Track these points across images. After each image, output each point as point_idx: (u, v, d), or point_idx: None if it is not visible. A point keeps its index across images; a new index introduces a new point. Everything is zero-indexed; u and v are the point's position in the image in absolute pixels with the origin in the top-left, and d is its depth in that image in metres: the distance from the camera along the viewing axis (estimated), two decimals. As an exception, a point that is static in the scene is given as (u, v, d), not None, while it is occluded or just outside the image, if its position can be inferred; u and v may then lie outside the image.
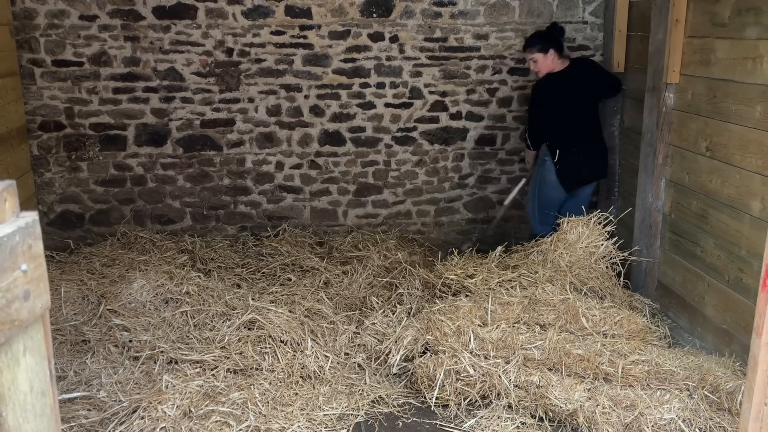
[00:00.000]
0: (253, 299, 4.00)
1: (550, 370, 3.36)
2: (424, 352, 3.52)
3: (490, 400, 3.31)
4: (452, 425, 3.20)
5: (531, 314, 3.71)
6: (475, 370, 3.30)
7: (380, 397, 3.38)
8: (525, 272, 4.06)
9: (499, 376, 3.27)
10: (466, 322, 3.51)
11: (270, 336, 3.65)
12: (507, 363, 3.33)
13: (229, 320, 3.89)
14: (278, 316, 3.74)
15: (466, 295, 3.91)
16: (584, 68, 4.88)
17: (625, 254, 4.41)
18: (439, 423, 3.23)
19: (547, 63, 4.71)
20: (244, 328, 3.73)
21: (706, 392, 3.18)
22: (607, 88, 4.93)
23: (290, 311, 3.84)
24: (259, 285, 4.54)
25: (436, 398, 3.31)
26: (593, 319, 3.67)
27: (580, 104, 4.80)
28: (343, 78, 5.30)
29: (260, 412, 3.14)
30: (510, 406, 3.26)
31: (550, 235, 4.61)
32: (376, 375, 3.58)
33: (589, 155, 4.84)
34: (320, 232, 5.51)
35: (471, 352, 3.37)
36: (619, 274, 4.42)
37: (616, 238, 4.45)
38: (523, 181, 5.18)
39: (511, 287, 3.92)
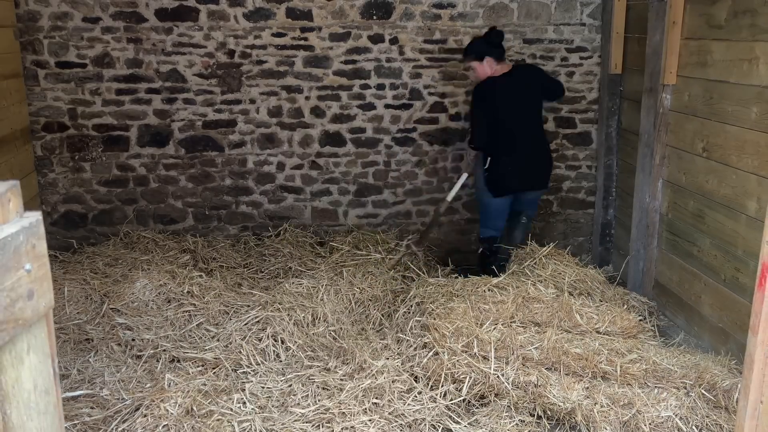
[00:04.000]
0: (264, 302, 4.02)
1: (548, 369, 3.39)
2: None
3: (489, 400, 3.35)
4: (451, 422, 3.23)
5: (525, 313, 3.74)
6: (474, 371, 3.34)
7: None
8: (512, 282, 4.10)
9: (498, 377, 3.31)
10: (464, 323, 3.55)
11: (274, 336, 3.69)
12: (506, 364, 3.36)
13: (233, 319, 3.93)
14: (282, 320, 3.78)
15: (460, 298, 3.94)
16: (526, 73, 4.76)
17: (609, 272, 4.42)
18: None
19: (484, 70, 4.60)
20: (249, 327, 3.77)
21: (703, 390, 3.21)
22: (549, 92, 4.79)
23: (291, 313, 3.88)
24: (261, 285, 4.57)
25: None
26: (587, 317, 3.70)
27: (519, 110, 4.64)
28: (344, 79, 5.34)
29: (262, 411, 3.17)
30: (509, 406, 3.29)
31: (497, 240, 4.76)
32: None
33: (525, 164, 4.68)
34: (321, 232, 5.55)
35: (472, 355, 3.40)
36: (611, 279, 4.47)
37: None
38: (465, 175, 4.99)
39: (503, 287, 3.97)
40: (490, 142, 4.62)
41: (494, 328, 3.55)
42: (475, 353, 3.40)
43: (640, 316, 4.07)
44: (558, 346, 3.41)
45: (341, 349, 3.67)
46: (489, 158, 4.64)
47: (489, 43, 4.62)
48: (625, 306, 4.10)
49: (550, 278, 4.18)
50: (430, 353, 3.48)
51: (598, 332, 3.68)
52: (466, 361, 3.37)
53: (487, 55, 4.60)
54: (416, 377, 3.43)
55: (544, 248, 4.48)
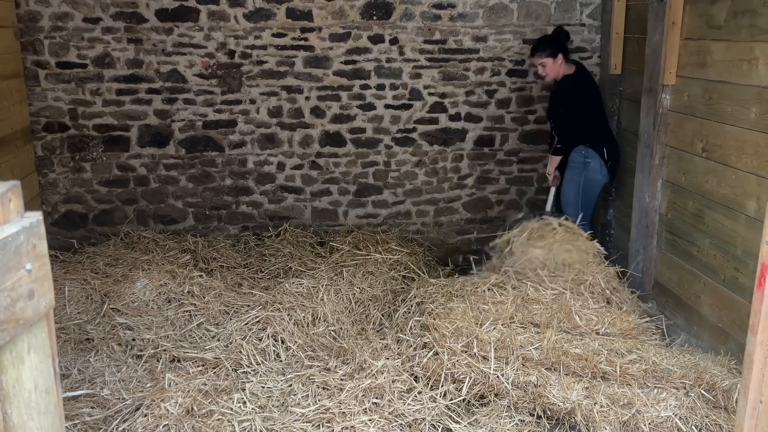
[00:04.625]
0: (264, 302, 4.03)
1: (547, 369, 3.40)
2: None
3: (489, 400, 3.35)
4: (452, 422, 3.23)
5: (524, 313, 3.75)
6: (474, 371, 3.34)
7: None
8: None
9: (498, 377, 3.31)
10: (464, 324, 3.55)
11: (274, 335, 3.70)
12: (506, 364, 3.37)
13: (233, 319, 3.93)
14: (283, 320, 3.78)
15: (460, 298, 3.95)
16: (587, 70, 4.97)
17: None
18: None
19: (555, 68, 4.73)
20: (249, 327, 3.78)
21: (702, 390, 3.22)
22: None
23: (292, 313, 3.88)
24: (261, 285, 4.58)
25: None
26: (587, 318, 3.71)
27: (600, 102, 4.91)
28: (344, 80, 5.34)
29: (263, 411, 3.18)
30: (509, 405, 3.29)
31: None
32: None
33: (618, 148, 4.95)
34: (321, 232, 5.55)
35: (472, 355, 3.40)
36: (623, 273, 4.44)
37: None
38: (553, 190, 5.10)
39: (503, 287, 3.98)
40: (596, 132, 4.76)
41: (494, 329, 3.56)
42: (475, 353, 3.41)
43: (643, 316, 4.05)
44: (558, 346, 3.41)
45: (341, 349, 3.67)
46: (605, 148, 4.76)
47: (560, 40, 4.75)
48: (625, 308, 4.08)
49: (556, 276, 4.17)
50: (430, 353, 3.49)
51: (597, 333, 3.68)
52: (466, 361, 3.37)
53: (561, 53, 4.71)
54: (416, 377, 3.44)
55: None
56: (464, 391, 3.32)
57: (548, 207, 5.06)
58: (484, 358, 3.41)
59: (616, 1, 5.05)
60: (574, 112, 4.74)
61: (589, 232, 4.78)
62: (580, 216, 4.70)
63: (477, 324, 3.60)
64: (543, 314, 3.75)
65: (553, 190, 5.09)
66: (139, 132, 5.30)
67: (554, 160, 4.97)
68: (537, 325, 3.72)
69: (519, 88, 5.48)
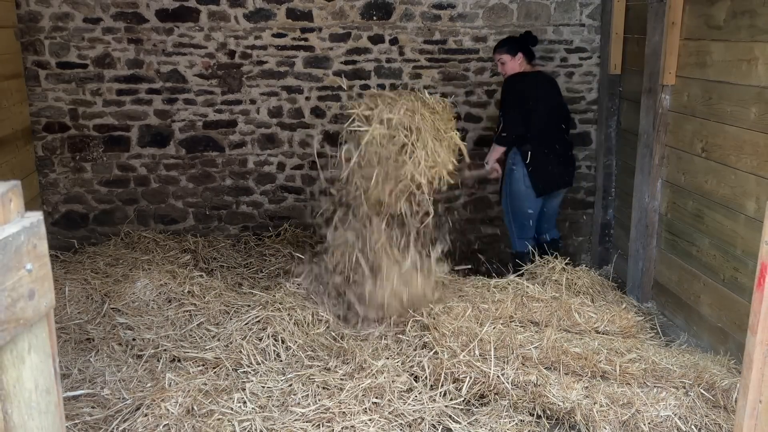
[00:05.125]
0: (265, 302, 4.03)
1: (547, 368, 3.40)
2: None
3: (489, 400, 3.36)
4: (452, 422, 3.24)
5: (524, 312, 3.75)
6: (474, 371, 3.35)
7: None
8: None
9: (498, 377, 3.32)
10: (464, 323, 3.56)
11: (274, 335, 3.70)
12: (506, 363, 3.37)
13: (233, 318, 3.94)
14: (283, 320, 3.79)
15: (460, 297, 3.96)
16: (548, 78, 4.78)
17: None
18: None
19: (514, 66, 4.58)
20: (250, 326, 3.78)
21: (702, 390, 3.22)
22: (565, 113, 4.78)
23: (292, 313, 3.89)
24: (261, 284, 4.58)
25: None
26: (586, 316, 3.71)
27: (551, 106, 4.64)
28: (344, 80, 5.35)
29: (263, 411, 3.18)
30: (509, 405, 3.30)
31: (529, 251, 4.66)
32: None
33: (561, 160, 4.68)
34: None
35: (472, 355, 3.41)
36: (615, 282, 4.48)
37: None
38: (488, 166, 4.79)
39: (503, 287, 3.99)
40: (529, 135, 4.53)
41: (494, 328, 3.56)
42: (475, 353, 3.41)
43: (639, 315, 4.07)
44: (557, 345, 3.42)
45: (341, 349, 3.68)
46: (529, 152, 4.53)
47: (524, 42, 4.66)
48: (624, 306, 4.11)
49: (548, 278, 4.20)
50: (430, 353, 3.49)
51: (597, 332, 3.69)
52: (466, 361, 3.38)
53: (521, 52, 4.60)
54: (416, 377, 3.44)
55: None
56: (464, 390, 3.32)
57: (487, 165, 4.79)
58: (484, 357, 3.41)
59: (615, 1, 5.06)
60: (518, 107, 4.51)
61: (523, 250, 4.70)
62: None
63: (477, 323, 3.60)
64: (543, 312, 3.75)
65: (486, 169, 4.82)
66: (140, 132, 5.31)
67: (496, 150, 4.67)
68: (537, 324, 3.72)
69: (519, 88, 5.48)
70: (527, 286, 3.97)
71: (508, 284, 4.05)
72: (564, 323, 3.71)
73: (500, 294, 3.89)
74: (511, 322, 3.70)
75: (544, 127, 4.57)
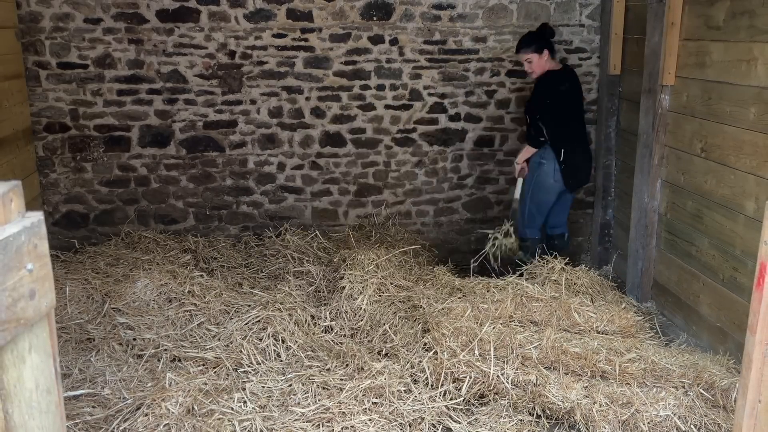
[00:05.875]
0: (265, 302, 4.03)
1: (547, 368, 3.41)
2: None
3: (489, 399, 3.36)
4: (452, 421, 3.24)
5: (524, 312, 3.76)
6: (474, 371, 3.35)
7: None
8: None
9: (498, 377, 3.32)
10: (464, 323, 3.57)
11: (275, 335, 3.71)
12: (506, 363, 3.38)
13: (233, 318, 3.94)
14: (283, 320, 3.79)
15: (459, 297, 3.97)
16: (573, 72, 4.84)
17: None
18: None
19: (541, 63, 4.61)
20: (250, 326, 3.79)
21: (701, 389, 3.22)
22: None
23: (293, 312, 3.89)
24: (261, 284, 4.59)
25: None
26: (586, 316, 3.72)
27: (579, 106, 4.77)
28: (344, 80, 5.35)
29: (263, 410, 3.19)
30: (508, 405, 3.30)
31: (538, 243, 4.70)
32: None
33: (586, 156, 4.81)
34: (321, 232, 5.55)
35: (472, 354, 3.41)
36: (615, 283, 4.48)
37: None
38: (521, 180, 4.93)
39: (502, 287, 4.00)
40: (564, 133, 4.60)
41: (493, 328, 3.57)
42: (475, 353, 3.42)
43: (638, 315, 4.08)
44: (557, 345, 3.42)
45: (341, 350, 3.68)
46: (563, 150, 4.59)
47: (546, 38, 4.65)
48: (624, 305, 4.11)
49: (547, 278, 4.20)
50: (430, 353, 3.50)
51: (597, 332, 3.70)
52: (466, 360, 3.38)
53: (547, 48, 4.60)
54: (416, 377, 3.45)
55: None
56: (464, 390, 3.33)
57: (516, 195, 4.92)
58: (483, 357, 3.42)
59: (615, 1, 5.06)
60: (556, 106, 4.60)
61: (533, 236, 4.77)
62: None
63: (477, 323, 3.61)
64: (542, 312, 3.76)
65: (520, 181, 4.92)
66: (140, 132, 5.32)
67: (528, 151, 4.78)
68: (536, 323, 3.73)
69: (518, 88, 5.49)
70: (527, 286, 3.97)
71: (507, 285, 4.05)
72: (563, 323, 3.71)
73: (500, 294, 3.90)
74: (510, 321, 3.71)
75: (574, 123, 4.70)
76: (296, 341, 3.74)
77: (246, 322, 3.84)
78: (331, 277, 4.50)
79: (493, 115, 5.52)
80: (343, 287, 4.13)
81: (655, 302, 4.58)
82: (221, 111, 5.33)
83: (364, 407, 3.15)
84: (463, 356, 3.39)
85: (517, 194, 4.95)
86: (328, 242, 5.23)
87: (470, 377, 3.35)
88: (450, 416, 3.24)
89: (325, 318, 4.01)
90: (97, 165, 5.33)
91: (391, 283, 4.26)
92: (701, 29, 3.99)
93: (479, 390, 3.36)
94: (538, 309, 3.78)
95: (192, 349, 3.70)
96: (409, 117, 5.47)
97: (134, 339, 3.82)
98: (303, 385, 3.36)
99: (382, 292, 4.17)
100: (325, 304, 4.16)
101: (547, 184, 4.70)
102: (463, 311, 3.68)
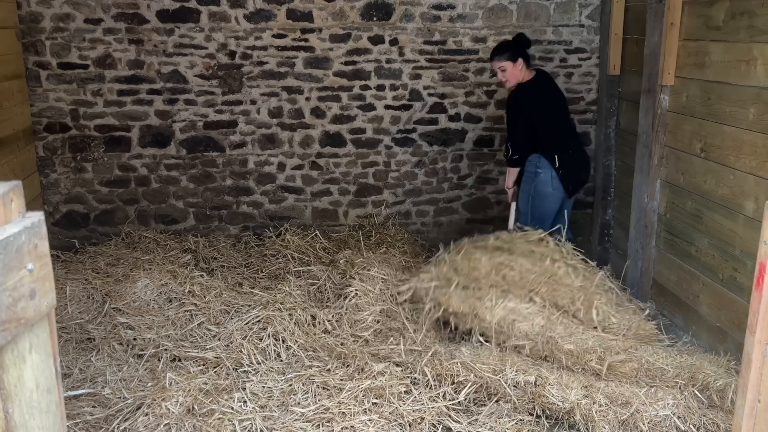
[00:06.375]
0: (265, 302, 4.04)
1: (542, 359, 3.44)
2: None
3: (489, 399, 3.36)
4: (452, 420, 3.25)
5: (549, 290, 3.74)
6: (474, 371, 3.36)
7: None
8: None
9: (498, 377, 3.33)
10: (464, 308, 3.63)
11: (275, 335, 3.71)
12: (505, 364, 3.39)
13: (234, 318, 3.95)
14: (284, 320, 3.80)
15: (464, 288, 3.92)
16: (548, 77, 4.74)
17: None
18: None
19: (516, 72, 4.49)
20: (250, 326, 3.79)
21: (695, 390, 3.23)
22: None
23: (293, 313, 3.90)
24: (261, 284, 4.59)
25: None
26: (604, 314, 3.69)
27: (560, 110, 4.65)
28: (344, 80, 5.36)
29: (263, 410, 3.19)
30: (508, 405, 3.30)
31: None
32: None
33: (580, 156, 4.71)
34: (321, 232, 5.56)
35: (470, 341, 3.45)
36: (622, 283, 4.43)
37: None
38: (513, 205, 4.79)
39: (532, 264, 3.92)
40: (554, 139, 4.53)
41: (498, 305, 3.61)
42: (475, 341, 3.45)
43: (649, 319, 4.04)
44: (551, 340, 3.45)
45: (342, 351, 3.68)
46: (556, 157, 4.50)
47: (521, 46, 4.56)
48: (646, 313, 4.02)
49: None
50: (430, 353, 3.50)
51: (604, 331, 3.66)
52: (465, 362, 3.39)
53: (521, 57, 4.50)
54: (416, 377, 3.45)
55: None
56: (464, 391, 3.33)
57: (510, 225, 4.72)
58: (486, 341, 3.49)
59: (615, 2, 5.06)
60: (529, 121, 4.49)
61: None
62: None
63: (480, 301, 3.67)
64: (565, 298, 3.72)
65: (513, 206, 4.76)
66: (140, 132, 5.32)
67: (512, 173, 4.69)
68: (557, 306, 3.70)
69: (519, 88, 5.49)
70: (560, 267, 3.88)
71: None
72: (580, 315, 3.68)
73: (530, 263, 3.86)
74: (530, 294, 3.73)
75: (560, 128, 4.59)
76: (296, 341, 3.75)
77: (246, 321, 3.84)
78: (338, 281, 4.47)
79: (492, 115, 5.53)
80: (349, 294, 4.11)
81: (655, 302, 4.58)
82: (221, 111, 5.34)
83: (364, 407, 3.16)
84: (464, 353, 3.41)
85: (511, 223, 4.77)
86: (329, 242, 5.24)
87: (470, 377, 3.36)
88: (450, 416, 3.24)
89: (326, 321, 4.00)
90: (97, 165, 5.34)
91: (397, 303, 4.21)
92: (701, 29, 3.99)
93: (479, 390, 3.36)
94: (563, 294, 3.74)
95: (192, 348, 3.71)
96: (409, 117, 5.48)
97: (134, 339, 3.83)
98: (303, 385, 3.37)
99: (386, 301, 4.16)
100: (327, 307, 4.15)
101: (546, 192, 4.57)
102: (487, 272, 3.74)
